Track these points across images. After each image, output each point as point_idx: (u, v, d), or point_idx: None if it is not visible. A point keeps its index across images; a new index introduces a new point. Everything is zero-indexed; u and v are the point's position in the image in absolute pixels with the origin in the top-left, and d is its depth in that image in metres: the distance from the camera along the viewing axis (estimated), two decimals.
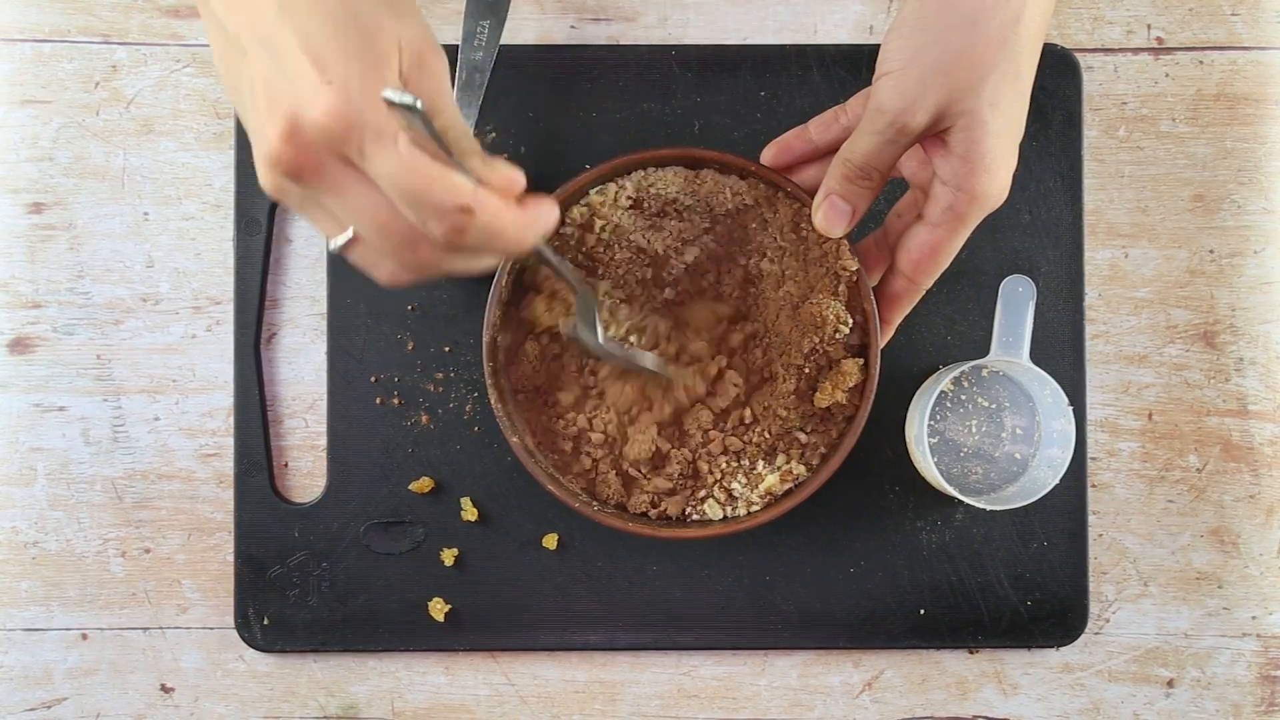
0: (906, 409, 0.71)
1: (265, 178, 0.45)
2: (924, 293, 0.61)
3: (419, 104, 0.42)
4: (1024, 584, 0.72)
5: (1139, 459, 0.73)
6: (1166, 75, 0.74)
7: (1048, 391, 0.68)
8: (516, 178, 0.47)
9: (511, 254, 0.47)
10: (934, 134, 0.55)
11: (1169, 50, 0.74)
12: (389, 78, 0.44)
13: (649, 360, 0.64)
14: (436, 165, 0.44)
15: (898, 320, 0.63)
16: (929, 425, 0.70)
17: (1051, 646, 0.72)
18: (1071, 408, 0.67)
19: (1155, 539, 0.73)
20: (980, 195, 0.55)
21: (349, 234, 0.46)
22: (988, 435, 0.71)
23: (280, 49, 0.43)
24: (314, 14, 0.43)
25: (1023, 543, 0.72)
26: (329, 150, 0.43)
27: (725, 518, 0.65)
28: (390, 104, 0.42)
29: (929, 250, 0.58)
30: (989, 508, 0.67)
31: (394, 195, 0.44)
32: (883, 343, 0.63)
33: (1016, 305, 0.70)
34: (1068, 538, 0.72)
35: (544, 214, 0.48)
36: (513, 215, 0.46)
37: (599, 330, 0.61)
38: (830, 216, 0.59)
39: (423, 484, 0.71)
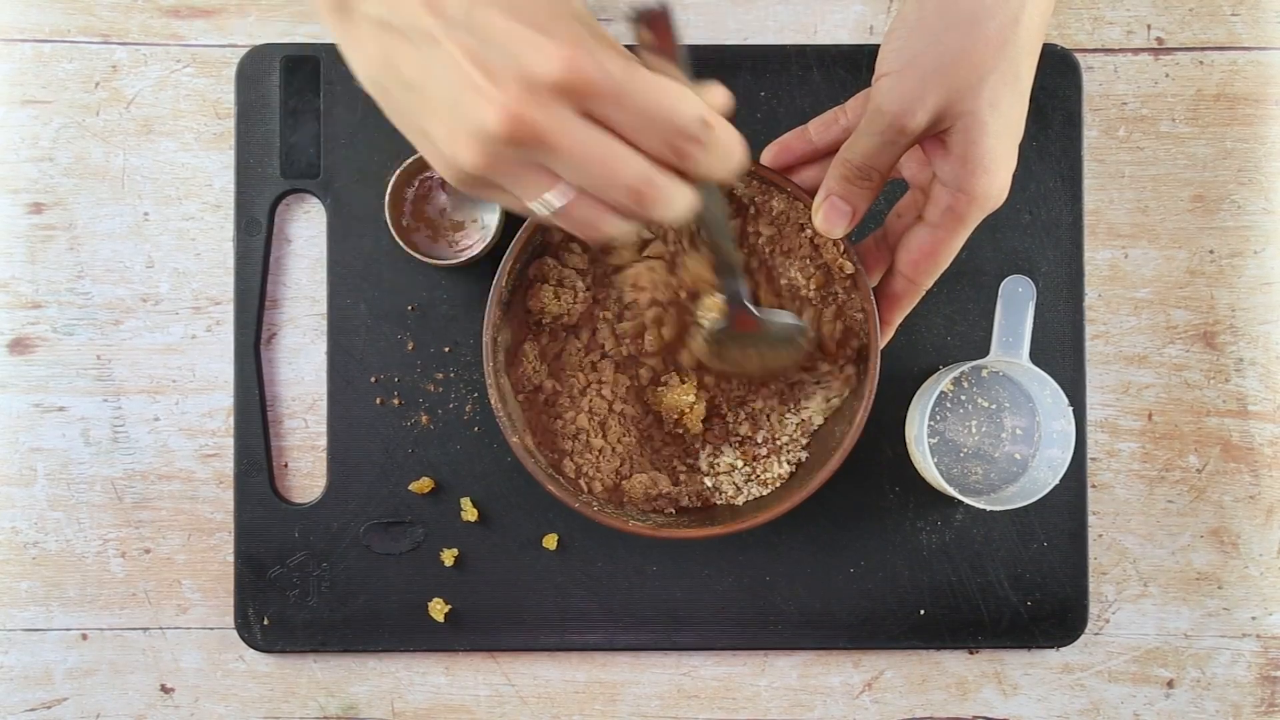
0: (906, 409, 0.71)
1: (477, 156, 0.44)
2: (924, 293, 0.61)
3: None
4: (1024, 584, 0.72)
5: (1139, 459, 0.73)
6: (1166, 75, 0.74)
7: (1048, 392, 0.68)
8: (730, 97, 0.48)
9: (732, 176, 0.48)
10: (933, 135, 0.55)
11: (1169, 50, 0.74)
12: (598, 28, 0.44)
13: (787, 319, 0.63)
14: (676, 83, 0.44)
15: (898, 320, 0.63)
16: (929, 425, 0.70)
17: (1051, 647, 0.72)
18: (1071, 408, 0.67)
19: (1155, 539, 0.73)
20: (980, 196, 0.55)
21: (571, 192, 0.45)
22: (988, 436, 0.71)
23: (486, 24, 0.43)
24: None
25: (1023, 543, 0.72)
26: (567, 101, 0.43)
27: (744, 502, 0.65)
28: (640, 15, 0.45)
29: (929, 251, 0.58)
30: (989, 508, 0.67)
31: (640, 123, 0.44)
32: (883, 343, 0.63)
33: (1016, 305, 0.70)
34: (1068, 538, 0.72)
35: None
36: (736, 132, 0.47)
37: (744, 293, 0.60)
38: (830, 217, 0.59)
39: (423, 484, 0.71)
